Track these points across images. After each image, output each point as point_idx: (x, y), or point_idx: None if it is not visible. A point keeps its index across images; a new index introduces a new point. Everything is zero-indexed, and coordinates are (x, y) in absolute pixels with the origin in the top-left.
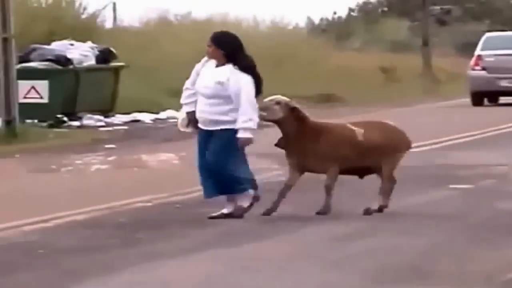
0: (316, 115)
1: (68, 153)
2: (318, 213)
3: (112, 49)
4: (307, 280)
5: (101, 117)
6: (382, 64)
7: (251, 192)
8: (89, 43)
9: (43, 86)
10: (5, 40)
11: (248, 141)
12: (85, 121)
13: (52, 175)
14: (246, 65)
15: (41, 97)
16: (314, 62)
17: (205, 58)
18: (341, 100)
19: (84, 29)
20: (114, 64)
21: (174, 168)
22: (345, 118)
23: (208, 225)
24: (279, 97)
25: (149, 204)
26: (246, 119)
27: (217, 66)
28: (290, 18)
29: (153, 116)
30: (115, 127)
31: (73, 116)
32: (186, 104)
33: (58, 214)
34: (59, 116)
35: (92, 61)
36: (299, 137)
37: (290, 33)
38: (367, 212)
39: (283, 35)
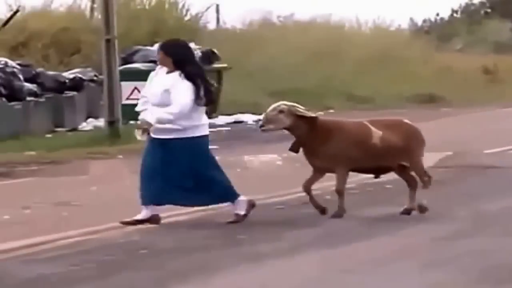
0: (419, 115)
1: None
2: (333, 216)
3: (215, 50)
4: (408, 281)
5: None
6: (484, 65)
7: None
8: (192, 45)
9: None
10: (108, 41)
11: (146, 125)
12: None
13: None
14: (191, 73)
15: None
16: (416, 63)
17: (159, 66)
18: (444, 101)
19: (187, 31)
20: (216, 65)
21: (276, 169)
22: (449, 117)
23: (306, 226)
24: (281, 105)
25: None
26: (167, 112)
27: (167, 73)
28: (392, 19)
29: (256, 117)
30: (218, 128)
31: None
32: (141, 111)
33: (160, 215)
34: None
35: None
36: (311, 139)
37: (392, 34)
38: (421, 209)
39: (385, 37)
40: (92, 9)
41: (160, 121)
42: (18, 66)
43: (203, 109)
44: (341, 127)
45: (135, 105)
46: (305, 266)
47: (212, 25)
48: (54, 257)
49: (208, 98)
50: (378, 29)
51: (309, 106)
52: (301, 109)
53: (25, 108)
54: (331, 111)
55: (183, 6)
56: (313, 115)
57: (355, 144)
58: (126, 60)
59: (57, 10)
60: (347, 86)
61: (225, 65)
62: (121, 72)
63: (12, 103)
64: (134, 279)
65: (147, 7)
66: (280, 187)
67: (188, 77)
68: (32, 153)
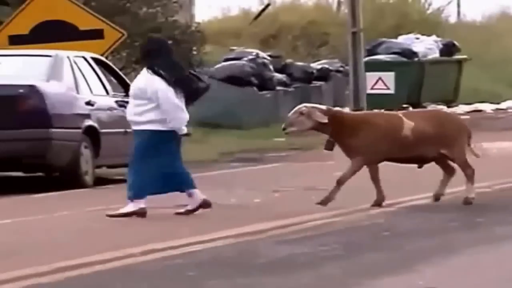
0: None
1: None
2: (317, 203)
3: (455, 42)
4: None
5: (444, 107)
6: None
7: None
8: (434, 37)
9: (389, 77)
10: (354, 34)
11: None
12: None
13: (396, 163)
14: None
15: (388, 88)
16: None
17: None
18: None
19: (429, 24)
20: (457, 57)
21: None
22: None
23: None
24: (302, 107)
25: (488, 190)
26: None
27: None
28: None
29: (494, 106)
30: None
31: (417, 105)
32: None
33: (400, 199)
34: (404, 105)
35: (436, 54)
36: (340, 135)
37: None
38: (466, 201)
39: None
40: (339, 3)
41: None
42: (268, 58)
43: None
44: (370, 121)
45: (379, 94)
46: None
47: (453, 19)
48: (303, 238)
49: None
50: None
51: None
52: (318, 111)
53: (275, 97)
54: None
55: (426, 0)
56: (325, 120)
57: (383, 137)
58: (370, 52)
59: (306, 4)
60: None
61: (465, 56)
62: (366, 63)
63: (263, 92)
64: (377, 259)
65: (391, 1)
66: None
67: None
68: (281, 139)
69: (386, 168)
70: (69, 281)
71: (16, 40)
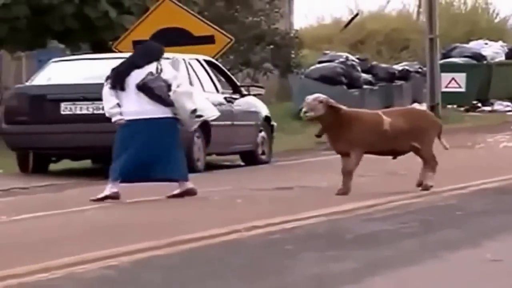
0: None
1: (481, 133)
2: (337, 194)
3: None
4: None
5: (510, 104)
6: None
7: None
8: (500, 42)
9: (461, 78)
10: (431, 40)
11: None
12: (496, 107)
13: (467, 151)
14: None
15: (460, 87)
16: None
17: None
18: None
19: (496, 31)
20: None
21: None
22: None
23: None
24: (320, 96)
25: None
26: None
27: None
28: None
29: None
30: None
31: (485, 102)
32: None
33: (472, 183)
34: (474, 102)
35: (502, 57)
36: (335, 126)
37: None
38: (425, 188)
39: None
40: (418, 13)
41: None
42: (356, 60)
43: (126, 94)
44: (361, 117)
45: (452, 92)
46: None
47: None
48: (385, 216)
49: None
50: None
51: None
52: (332, 101)
53: (361, 94)
54: None
55: (494, 10)
56: (342, 106)
57: (371, 131)
58: (445, 55)
59: (389, 14)
60: None
61: None
62: (441, 65)
63: (351, 90)
64: (450, 235)
65: (463, 11)
66: None
67: None
68: None
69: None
70: (187, 252)
71: (139, 45)
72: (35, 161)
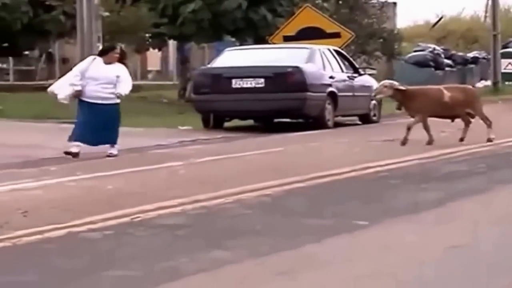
0: None
1: None
2: (426, 144)
3: None
4: None
5: None
6: None
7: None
8: None
9: None
10: (494, 36)
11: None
12: None
13: None
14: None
15: None
16: None
17: (93, 57)
18: None
19: None
20: None
21: None
22: None
23: None
24: (386, 82)
25: None
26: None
27: (106, 63)
28: None
29: None
30: None
31: None
32: (75, 85)
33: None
34: None
35: None
36: (405, 101)
37: None
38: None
39: None
40: (485, 17)
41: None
42: (441, 50)
43: None
44: (423, 92)
45: (509, 73)
46: None
47: None
48: (461, 160)
49: None
50: None
51: None
52: (396, 84)
53: (444, 74)
54: None
55: None
56: (403, 87)
57: (432, 102)
58: (504, 46)
59: (464, 17)
60: None
61: None
62: (501, 53)
63: (437, 71)
64: (507, 175)
65: None
66: None
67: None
68: None
69: None
70: (320, 185)
71: (287, 38)
72: (214, 120)
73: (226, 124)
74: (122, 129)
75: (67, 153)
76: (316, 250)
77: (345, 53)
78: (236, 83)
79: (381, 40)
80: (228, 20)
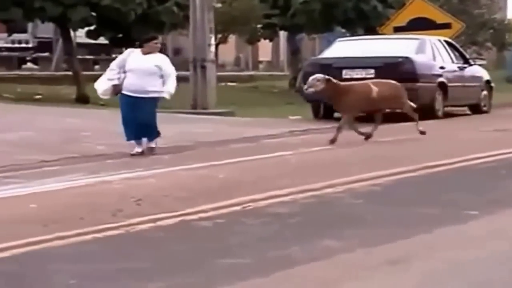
0: None
1: None
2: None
3: None
4: None
5: None
6: None
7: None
8: None
9: None
10: None
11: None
12: None
13: None
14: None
15: None
16: None
17: (130, 49)
18: None
19: None
20: None
21: None
22: None
23: None
24: (318, 76)
25: None
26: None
27: (144, 54)
28: None
29: None
30: None
31: None
32: (112, 79)
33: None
34: None
35: None
36: (335, 96)
37: None
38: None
39: None
40: None
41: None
42: None
43: None
44: (353, 88)
45: None
46: None
47: None
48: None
49: None
50: None
51: None
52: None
53: None
54: None
55: None
56: (335, 81)
57: (361, 98)
58: None
59: None
60: None
61: None
62: None
63: None
64: None
65: None
66: None
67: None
68: None
69: None
70: (428, 175)
71: (398, 29)
72: (325, 110)
73: (336, 114)
74: (235, 119)
75: (133, 155)
76: (426, 239)
77: (455, 43)
78: (346, 74)
79: (492, 30)
80: (339, 11)
